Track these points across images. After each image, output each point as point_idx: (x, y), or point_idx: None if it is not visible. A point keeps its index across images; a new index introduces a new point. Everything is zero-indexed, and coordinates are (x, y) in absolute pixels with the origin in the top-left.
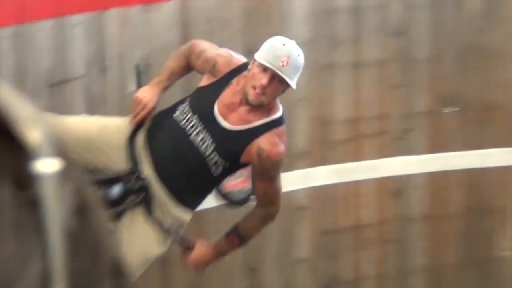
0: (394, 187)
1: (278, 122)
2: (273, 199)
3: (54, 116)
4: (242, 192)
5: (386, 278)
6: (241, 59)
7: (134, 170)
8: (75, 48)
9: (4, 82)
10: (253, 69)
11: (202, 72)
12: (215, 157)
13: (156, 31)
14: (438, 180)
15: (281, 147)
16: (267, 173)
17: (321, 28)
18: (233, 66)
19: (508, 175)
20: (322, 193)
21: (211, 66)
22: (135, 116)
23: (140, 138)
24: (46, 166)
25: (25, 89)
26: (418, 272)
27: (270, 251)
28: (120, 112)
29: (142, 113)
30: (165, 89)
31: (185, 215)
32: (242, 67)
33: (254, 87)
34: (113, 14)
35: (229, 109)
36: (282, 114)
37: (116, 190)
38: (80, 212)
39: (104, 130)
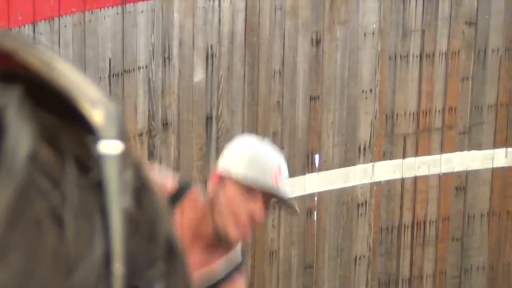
0: (458, 183)
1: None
2: None
3: None
4: None
5: (445, 276)
6: (176, 179)
7: None
8: (139, 36)
9: (70, 62)
10: (229, 191)
11: None
12: None
13: (221, 18)
14: (504, 176)
15: None
16: None
17: (391, 17)
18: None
19: None
20: (384, 189)
21: None
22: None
23: None
24: (110, 148)
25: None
26: (478, 271)
27: (327, 248)
28: (183, 103)
29: None
30: None
31: None
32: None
33: (238, 220)
34: (179, 2)
35: None
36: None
37: None
38: (139, 193)
39: None
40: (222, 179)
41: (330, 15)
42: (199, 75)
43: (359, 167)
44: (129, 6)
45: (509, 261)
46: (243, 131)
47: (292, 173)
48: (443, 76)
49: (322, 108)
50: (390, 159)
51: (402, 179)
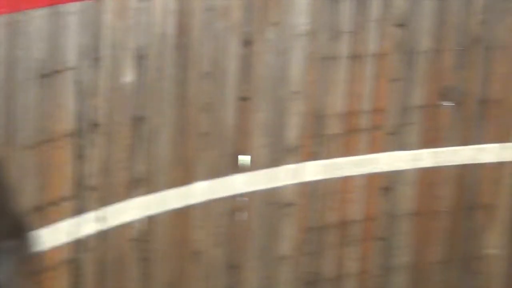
0: (384, 183)
1: None
2: None
3: None
4: None
5: (368, 275)
6: None
7: None
8: (70, 37)
9: None
10: None
11: None
12: None
13: (152, 20)
14: (429, 176)
15: None
16: None
17: (321, 18)
18: None
19: (501, 171)
20: (311, 189)
21: None
22: None
23: None
24: None
25: (16, 79)
26: (402, 270)
27: (252, 247)
28: (111, 103)
29: None
30: None
31: None
32: None
33: None
34: (110, 3)
35: None
36: None
37: None
38: None
39: None
40: None
41: (261, 16)
42: (128, 76)
43: (287, 168)
44: (60, 7)
45: (433, 260)
46: (172, 132)
47: (220, 173)
48: (372, 77)
49: (251, 109)
50: (317, 159)
51: (329, 180)
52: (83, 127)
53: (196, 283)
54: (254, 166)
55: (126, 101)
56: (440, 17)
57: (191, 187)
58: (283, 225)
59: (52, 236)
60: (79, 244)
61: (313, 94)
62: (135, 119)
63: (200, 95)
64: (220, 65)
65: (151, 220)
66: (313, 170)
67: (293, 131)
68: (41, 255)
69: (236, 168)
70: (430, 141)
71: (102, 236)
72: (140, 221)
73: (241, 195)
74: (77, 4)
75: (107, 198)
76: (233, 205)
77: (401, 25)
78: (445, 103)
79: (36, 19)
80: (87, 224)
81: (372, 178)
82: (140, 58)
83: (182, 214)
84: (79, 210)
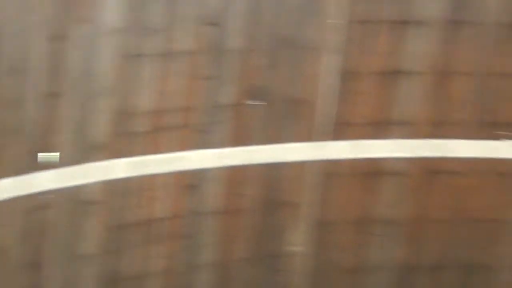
0: (190, 181)
1: None
2: None
3: None
4: None
5: (173, 273)
6: None
7: None
8: None
9: None
10: None
11: None
12: None
13: None
14: (236, 174)
15: None
16: None
17: (132, 16)
18: None
19: (306, 170)
20: (117, 187)
21: None
22: None
23: None
24: None
25: None
26: (207, 268)
27: (55, 246)
28: None
29: None
30: None
31: None
32: None
33: None
34: None
35: None
36: None
37: None
38: None
39: None
40: None
41: (71, 12)
42: None
43: (95, 165)
44: None
45: (238, 258)
46: None
47: (24, 171)
48: (182, 75)
49: (59, 106)
50: (125, 157)
51: (137, 177)
52: None
53: None
54: (61, 163)
55: None
56: (253, 17)
57: None
58: (88, 223)
59: None
60: None
61: (122, 92)
62: None
63: (4, 91)
64: (27, 61)
65: None
66: (120, 168)
67: (101, 128)
68: None
69: (42, 165)
70: (238, 139)
71: None
72: None
73: (46, 192)
74: None
75: None
76: (37, 202)
77: (213, 24)
78: (253, 102)
79: None
80: None
81: (179, 176)
82: None
83: None
84: None
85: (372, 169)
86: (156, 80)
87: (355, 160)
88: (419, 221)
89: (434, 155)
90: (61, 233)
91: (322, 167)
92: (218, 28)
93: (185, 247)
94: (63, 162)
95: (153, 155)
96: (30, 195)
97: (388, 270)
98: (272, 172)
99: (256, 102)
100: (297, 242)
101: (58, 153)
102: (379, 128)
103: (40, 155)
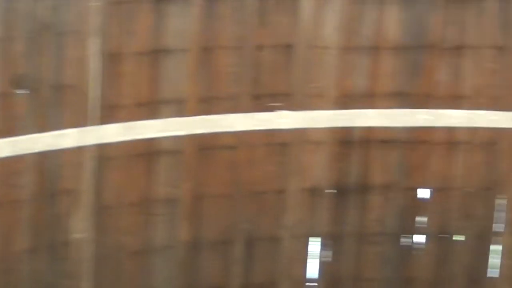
0: None
1: None
2: None
3: None
4: None
5: None
6: None
7: None
8: None
9: None
10: None
11: None
12: None
13: None
14: (7, 166)
15: None
16: None
17: None
18: None
19: (81, 156)
20: None
21: None
22: None
23: None
24: None
25: None
26: None
27: None
28: None
29: None
30: None
31: None
32: None
33: None
34: None
35: None
36: None
37: None
38: None
39: None
40: None
41: None
42: None
43: None
44: None
45: (19, 249)
46: None
47: None
48: None
49: None
50: None
51: None
52: None
53: None
54: None
55: None
56: (8, 4)
57: None
58: None
59: None
60: None
61: None
62: None
63: None
64: None
65: None
66: None
67: None
68: None
69: None
70: (6, 130)
71: None
72: None
73: None
74: None
75: None
76: None
77: None
78: (19, 91)
79: None
80: None
81: None
82: None
83: None
84: None
85: (147, 150)
86: None
87: (129, 142)
88: (199, 198)
89: (208, 131)
90: None
91: (97, 152)
92: None
93: None
94: None
95: None
96: None
97: (173, 249)
98: (48, 160)
99: (22, 91)
100: (79, 229)
101: None
102: (150, 109)
103: None
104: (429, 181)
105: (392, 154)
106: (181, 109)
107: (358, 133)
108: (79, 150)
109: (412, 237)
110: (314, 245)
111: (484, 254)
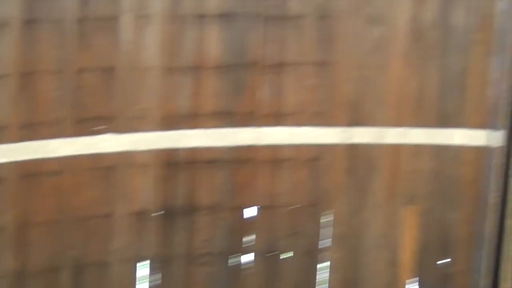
0: None
1: None
2: None
3: None
4: None
5: None
6: None
7: None
8: None
9: None
10: None
11: None
12: None
13: None
14: None
15: None
16: None
17: None
18: None
19: None
20: None
21: None
22: None
23: None
24: None
25: None
26: None
27: None
28: None
29: None
30: None
31: None
32: None
33: None
34: None
35: None
36: None
37: None
38: None
39: None
40: None
41: None
42: None
43: None
44: None
45: None
46: None
47: None
48: None
49: None
50: None
51: None
52: None
53: None
54: None
55: None
56: None
57: None
58: None
59: None
60: None
61: None
62: None
63: None
64: None
65: None
66: None
67: None
68: None
69: None
70: None
71: None
72: None
73: None
74: None
75: None
76: None
77: None
78: None
79: None
80: None
81: None
82: None
83: None
84: None
85: None
86: None
87: None
88: (25, 226)
89: (32, 157)
90: None
91: None
92: None
93: None
94: None
95: None
96: None
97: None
98: None
99: None
100: None
101: None
102: None
103: None
104: (255, 199)
105: (217, 174)
106: (2, 136)
107: (183, 154)
108: None
109: (240, 257)
110: (143, 269)
111: (312, 270)
